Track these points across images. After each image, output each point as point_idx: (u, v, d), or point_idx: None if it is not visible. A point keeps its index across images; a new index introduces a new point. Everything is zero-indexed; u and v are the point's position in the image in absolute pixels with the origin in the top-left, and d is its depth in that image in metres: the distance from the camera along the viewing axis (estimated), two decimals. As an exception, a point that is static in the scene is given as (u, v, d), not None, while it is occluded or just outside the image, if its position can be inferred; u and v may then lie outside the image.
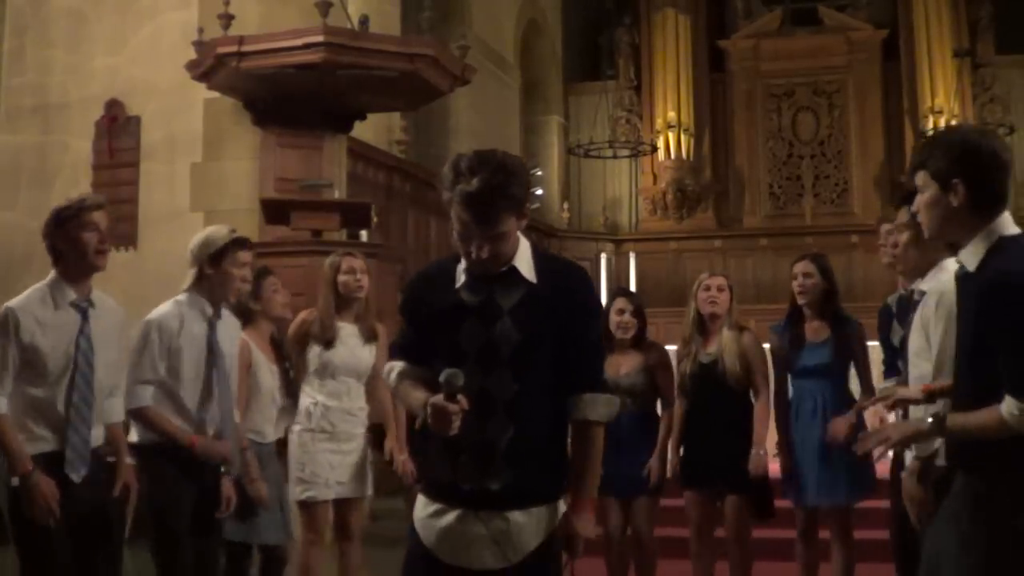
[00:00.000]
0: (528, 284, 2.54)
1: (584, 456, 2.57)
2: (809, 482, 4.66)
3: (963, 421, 2.45)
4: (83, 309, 3.31)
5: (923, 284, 3.37)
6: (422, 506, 2.62)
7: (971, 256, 2.46)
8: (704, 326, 4.84)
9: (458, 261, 2.58)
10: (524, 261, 2.56)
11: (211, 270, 3.72)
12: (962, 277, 2.55)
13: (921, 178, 2.53)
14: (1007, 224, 2.46)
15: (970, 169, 2.44)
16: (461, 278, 2.56)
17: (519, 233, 2.55)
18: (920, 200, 2.56)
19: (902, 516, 3.42)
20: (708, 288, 4.84)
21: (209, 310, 3.74)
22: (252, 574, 4.48)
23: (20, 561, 3.30)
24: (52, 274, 3.33)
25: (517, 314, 2.51)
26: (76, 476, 3.30)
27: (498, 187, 2.42)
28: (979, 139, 2.51)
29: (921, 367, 3.20)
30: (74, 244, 3.29)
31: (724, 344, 4.75)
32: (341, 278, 4.54)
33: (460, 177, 2.43)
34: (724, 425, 4.74)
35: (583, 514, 2.56)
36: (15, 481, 3.17)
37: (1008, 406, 2.36)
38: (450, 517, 2.54)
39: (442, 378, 2.39)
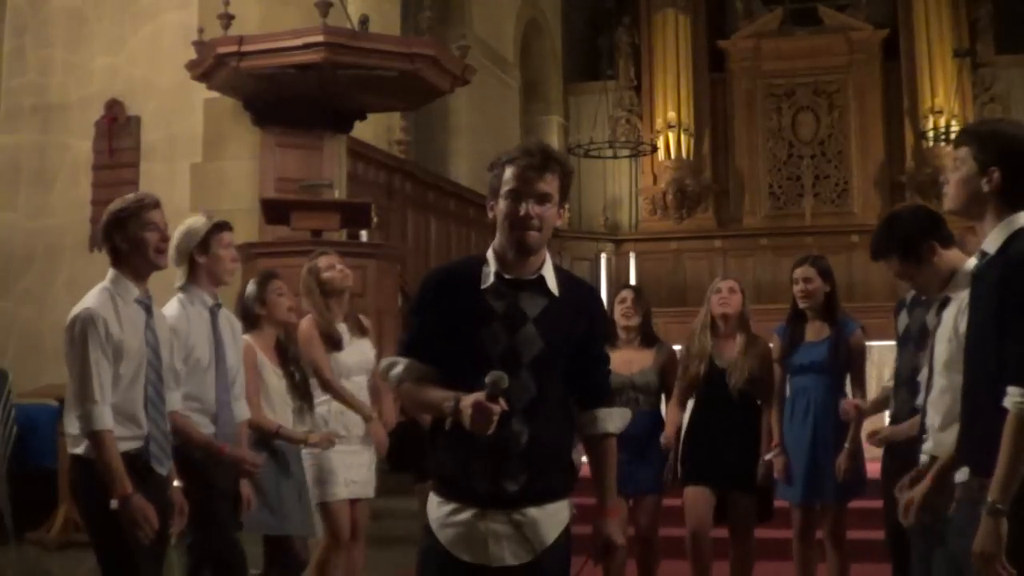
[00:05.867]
0: (551, 295, 2.63)
1: (607, 466, 2.72)
2: (801, 480, 4.68)
3: (997, 480, 2.38)
4: (147, 306, 3.36)
5: (950, 291, 3.04)
6: (436, 506, 2.63)
7: (992, 242, 2.54)
8: (717, 330, 4.86)
9: (484, 263, 2.64)
10: (550, 273, 2.66)
11: (202, 258, 3.79)
12: (980, 268, 2.59)
13: (963, 153, 2.60)
14: None
15: (1011, 162, 2.53)
16: (489, 280, 2.61)
17: (544, 249, 2.65)
18: (954, 174, 2.63)
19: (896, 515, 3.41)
20: (719, 291, 4.89)
21: (209, 300, 3.83)
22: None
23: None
24: (111, 274, 3.34)
25: (541, 323, 2.59)
26: (163, 469, 3.33)
27: (557, 155, 2.64)
28: None
29: (952, 379, 2.81)
30: (136, 243, 3.30)
31: (737, 350, 4.79)
32: (325, 275, 4.56)
33: (524, 151, 2.62)
34: (732, 428, 4.77)
35: (614, 521, 2.69)
36: (113, 503, 3.12)
37: (1012, 396, 2.37)
38: (467, 515, 2.56)
39: (488, 379, 2.42)
